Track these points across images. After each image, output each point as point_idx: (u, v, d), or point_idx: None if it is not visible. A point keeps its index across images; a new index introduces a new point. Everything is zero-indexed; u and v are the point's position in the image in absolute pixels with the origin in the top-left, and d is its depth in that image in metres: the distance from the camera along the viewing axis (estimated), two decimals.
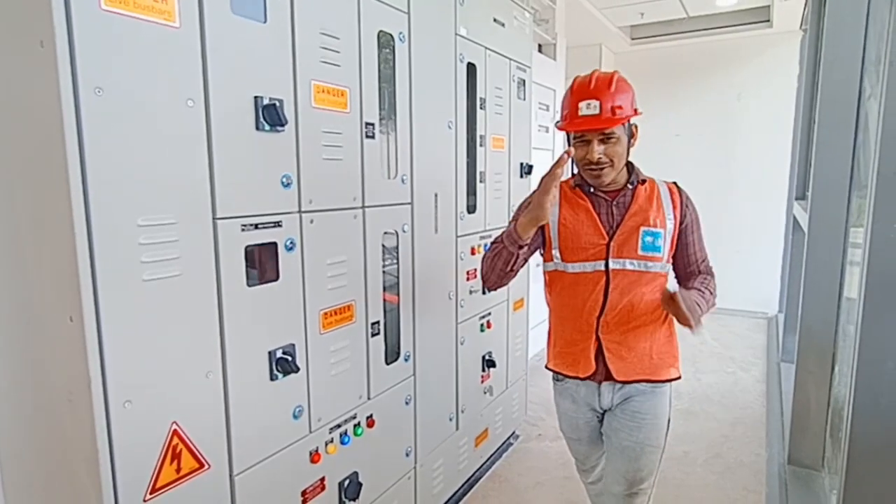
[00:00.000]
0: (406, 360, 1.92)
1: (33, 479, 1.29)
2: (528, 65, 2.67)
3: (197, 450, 1.23)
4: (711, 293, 1.51)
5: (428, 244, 1.98)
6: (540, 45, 4.04)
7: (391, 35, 1.73)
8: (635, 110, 1.42)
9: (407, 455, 1.97)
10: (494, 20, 2.33)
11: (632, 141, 1.46)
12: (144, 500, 1.13)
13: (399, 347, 1.89)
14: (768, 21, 4.65)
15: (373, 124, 1.66)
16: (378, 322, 1.75)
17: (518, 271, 1.51)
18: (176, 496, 1.19)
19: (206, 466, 1.25)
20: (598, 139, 1.38)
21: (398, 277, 1.87)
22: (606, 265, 1.46)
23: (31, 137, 1.05)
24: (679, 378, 1.55)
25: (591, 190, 1.50)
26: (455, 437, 2.27)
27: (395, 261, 1.85)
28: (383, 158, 1.75)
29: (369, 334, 1.72)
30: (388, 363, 1.83)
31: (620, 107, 1.36)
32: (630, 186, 1.49)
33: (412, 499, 2.02)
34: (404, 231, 1.86)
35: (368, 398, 1.75)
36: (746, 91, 5.09)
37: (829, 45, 2.16)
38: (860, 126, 2.08)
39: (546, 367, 1.63)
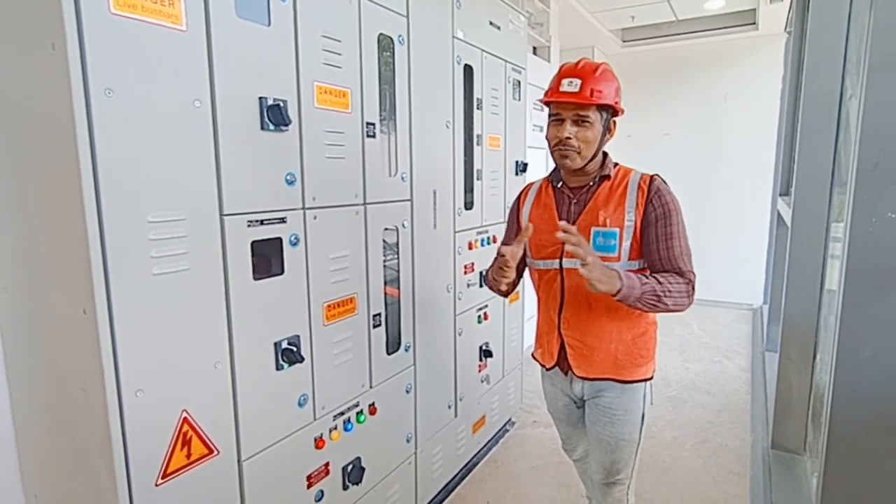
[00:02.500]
0: (406, 350, 1.92)
1: (49, 465, 1.29)
2: (523, 66, 2.66)
3: (206, 436, 1.23)
4: (661, 283, 1.28)
5: (427, 239, 1.98)
6: (534, 48, 4.02)
7: (391, 38, 1.72)
8: (616, 103, 1.36)
9: (408, 441, 1.97)
10: (490, 23, 2.32)
11: (608, 135, 1.40)
12: (156, 485, 1.14)
13: (400, 338, 1.89)
14: (754, 24, 4.64)
15: (373, 124, 1.65)
16: (379, 314, 1.75)
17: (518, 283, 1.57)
18: (186, 480, 1.19)
19: (216, 452, 1.26)
20: (573, 119, 1.32)
21: (398, 271, 1.87)
22: (561, 264, 1.41)
23: (43, 137, 1.05)
24: (650, 378, 1.47)
25: (559, 185, 1.46)
26: (453, 423, 2.28)
27: (395, 255, 1.85)
28: (384, 157, 1.75)
29: (371, 326, 1.72)
30: (389, 353, 1.83)
31: (601, 91, 1.31)
32: (591, 184, 1.41)
33: (413, 483, 2.03)
34: (404, 227, 1.85)
35: (370, 387, 1.75)
36: (733, 91, 5.08)
37: (812, 48, 2.15)
38: (841, 125, 2.08)
39: (532, 356, 1.65)
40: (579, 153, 1.34)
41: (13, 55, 1.07)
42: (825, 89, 2.10)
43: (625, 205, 1.36)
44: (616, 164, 1.44)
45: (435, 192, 2.01)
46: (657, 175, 1.39)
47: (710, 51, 5.07)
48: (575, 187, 1.44)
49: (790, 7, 3.69)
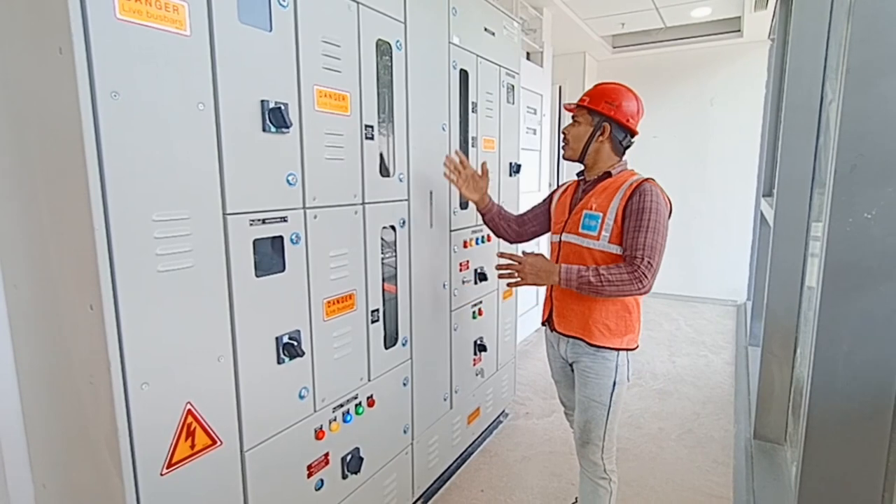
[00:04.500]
0: (404, 344, 1.92)
1: (58, 455, 1.29)
2: (517, 71, 2.66)
3: (210, 428, 1.23)
4: (598, 274, 1.49)
5: (424, 238, 1.98)
6: (528, 53, 4.02)
7: (389, 43, 1.72)
8: (605, 110, 1.60)
9: (405, 432, 1.98)
10: (485, 29, 2.32)
11: (599, 137, 1.62)
12: (161, 474, 1.14)
13: (397, 333, 1.89)
14: (739, 31, 4.65)
15: (372, 126, 1.65)
16: (378, 310, 1.76)
17: (501, 219, 1.96)
18: (191, 470, 1.19)
19: (219, 443, 1.26)
20: (573, 119, 1.67)
21: (396, 269, 1.87)
22: (560, 238, 1.68)
23: (51, 138, 1.05)
24: (624, 350, 1.61)
25: (581, 177, 1.74)
26: (449, 415, 2.28)
27: (393, 253, 1.85)
28: (382, 158, 1.75)
29: (369, 321, 1.72)
30: (387, 348, 1.83)
31: (587, 98, 1.63)
32: (597, 178, 1.66)
33: (410, 472, 2.03)
34: (402, 226, 1.85)
35: (369, 380, 1.75)
36: (719, 96, 5.10)
37: (794, 55, 2.16)
38: (822, 129, 2.09)
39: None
40: (569, 145, 1.68)
41: (22, 59, 1.07)
42: (806, 94, 2.11)
43: (614, 198, 1.56)
44: (626, 170, 1.66)
45: (431, 193, 2.01)
46: (650, 179, 1.56)
47: (697, 57, 5.09)
48: (588, 180, 1.70)
49: (773, 15, 3.70)
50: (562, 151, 1.72)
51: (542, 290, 2.01)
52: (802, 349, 2.20)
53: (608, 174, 1.63)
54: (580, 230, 1.60)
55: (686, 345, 4.14)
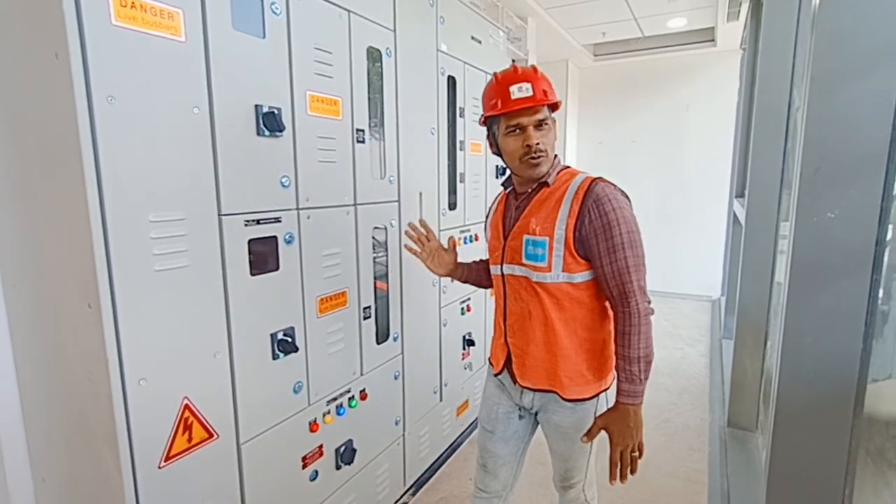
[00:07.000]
0: (395, 340, 1.92)
1: (57, 450, 1.27)
2: None
3: (206, 422, 1.22)
4: (632, 357, 1.13)
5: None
6: (513, 61, 4.03)
7: (379, 50, 1.71)
8: (557, 101, 1.23)
9: (396, 424, 1.97)
10: (472, 38, 2.32)
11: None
12: (159, 467, 1.12)
13: (388, 329, 1.89)
14: (713, 41, 4.71)
15: (363, 130, 1.65)
16: (369, 307, 1.75)
17: (480, 278, 1.51)
18: (188, 463, 1.18)
19: (215, 436, 1.25)
20: (534, 125, 1.17)
21: (387, 267, 1.86)
22: (502, 269, 1.28)
23: (49, 141, 1.03)
24: (600, 394, 1.27)
25: (509, 190, 1.32)
26: (439, 407, 2.28)
27: (384, 252, 1.85)
28: (373, 161, 1.74)
29: (362, 318, 1.72)
30: (378, 343, 1.83)
31: (549, 90, 1.20)
32: (530, 189, 1.24)
33: (401, 462, 2.03)
34: (392, 226, 1.85)
35: (361, 374, 1.75)
36: (694, 102, 5.15)
37: (764, 64, 2.19)
38: (789, 134, 2.12)
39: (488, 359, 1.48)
40: (547, 157, 1.20)
41: (20, 63, 1.05)
42: (775, 101, 2.14)
43: (558, 212, 1.16)
44: (564, 169, 1.25)
45: (421, 194, 2.00)
46: (599, 179, 1.17)
47: (674, 65, 5.13)
48: (520, 193, 1.28)
49: (745, 27, 3.74)
50: (537, 170, 1.19)
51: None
52: (772, 341, 2.23)
53: (545, 183, 1.22)
54: (524, 261, 1.21)
55: (664, 338, 4.18)
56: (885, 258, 1.02)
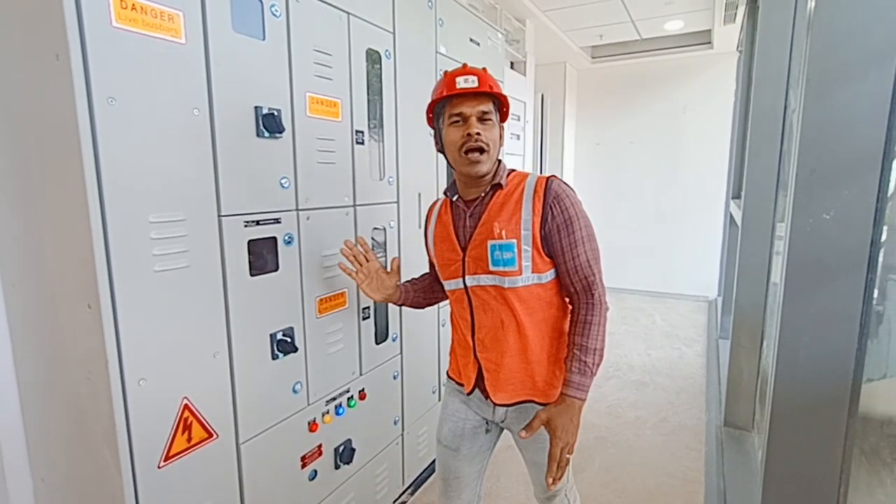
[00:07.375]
0: (394, 340, 1.92)
1: (56, 450, 1.26)
2: (501, 80, 2.67)
3: (206, 421, 1.22)
4: (587, 347, 1.13)
5: (412, 238, 1.98)
6: (511, 63, 4.03)
7: (378, 52, 1.71)
8: (507, 106, 1.22)
9: (395, 423, 1.97)
10: (470, 40, 2.32)
11: (500, 141, 1.22)
12: (159, 467, 1.12)
13: (387, 329, 1.89)
14: (710, 43, 4.72)
15: (362, 131, 1.65)
16: (368, 307, 1.75)
17: (420, 299, 1.46)
18: (187, 463, 1.18)
19: (215, 436, 1.24)
20: (477, 117, 1.14)
21: (386, 267, 1.86)
22: (464, 282, 1.22)
23: (49, 142, 1.03)
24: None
25: (455, 199, 1.26)
26: (437, 407, 2.28)
27: (383, 253, 1.85)
28: (372, 162, 1.74)
29: (360, 318, 1.72)
30: (377, 343, 1.83)
31: (496, 87, 1.17)
32: (483, 195, 1.20)
33: (400, 462, 2.03)
34: (391, 226, 1.85)
35: (360, 374, 1.75)
36: (691, 104, 5.16)
37: (760, 66, 2.20)
38: (785, 135, 2.12)
39: (447, 374, 1.40)
40: (489, 155, 1.15)
41: (20, 65, 1.05)
42: (771, 103, 2.14)
43: (521, 213, 1.14)
44: (511, 172, 1.23)
45: (419, 195, 2.00)
46: (554, 177, 1.17)
47: (671, 67, 5.15)
48: (469, 200, 1.22)
49: (741, 29, 3.75)
50: (475, 168, 1.15)
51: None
52: (768, 341, 2.23)
53: (498, 185, 1.19)
54: (491, 268, 1.16)
55: (661, 338, 4.19)
56: (880, 259, 1.02)
